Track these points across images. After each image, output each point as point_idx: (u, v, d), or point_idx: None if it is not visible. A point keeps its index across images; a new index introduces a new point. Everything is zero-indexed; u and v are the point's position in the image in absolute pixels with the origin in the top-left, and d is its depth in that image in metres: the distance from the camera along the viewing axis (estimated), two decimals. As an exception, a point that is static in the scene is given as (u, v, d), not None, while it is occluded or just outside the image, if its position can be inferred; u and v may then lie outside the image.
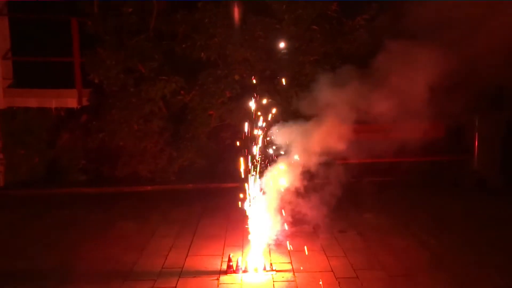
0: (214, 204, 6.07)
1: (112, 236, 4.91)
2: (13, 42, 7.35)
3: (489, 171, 6.84)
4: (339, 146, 4.67)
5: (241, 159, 4.24)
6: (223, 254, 4.28)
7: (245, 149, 4.29)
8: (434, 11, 4.66)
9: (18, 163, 7.23)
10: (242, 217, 4.34)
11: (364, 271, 3.91)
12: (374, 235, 4.80)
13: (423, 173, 6.82)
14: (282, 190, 4.32)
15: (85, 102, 7.35)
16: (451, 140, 6.89)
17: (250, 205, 4.20)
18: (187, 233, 4.92)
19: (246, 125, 4.36)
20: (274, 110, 4.54)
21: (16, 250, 4.55)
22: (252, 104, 4.45)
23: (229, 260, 3.97)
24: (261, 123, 4.37)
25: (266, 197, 4.26)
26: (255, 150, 4.27)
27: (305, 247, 4.40)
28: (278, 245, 4.44)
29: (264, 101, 4.68)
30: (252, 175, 4.23)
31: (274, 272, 3.91)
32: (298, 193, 4.43)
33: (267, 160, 4.39)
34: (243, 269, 3.92)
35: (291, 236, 4.62)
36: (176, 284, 3.70)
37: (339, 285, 3.66)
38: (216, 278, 3.82)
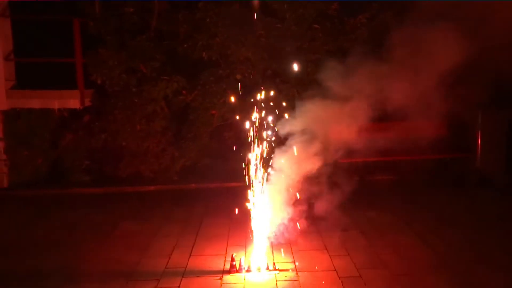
0: (216, 203, 6.07)
1: (115, 236, 4.94)
2: (15, 43, 7.37)
3: (493, 168, 6.81)
4: (343, 144, 4.68)
5: (245, 159, 4.25)
6: (226, 254, 4.29)
7: (249, 148, 4.30)
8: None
9: (21, 164, 7.26)
10: (245, 216, 4.35)
11: (367, 270, 3.91)
12: (377, 234, 4.79)
13: (426, 171, 6.80)
14: (286, 189, 4.34)
15: (87, 102, 7.37)
16: (454, 137, 6.86)
17: (253, 205, 4.21)
18: (190, 233, 4.93)
19: (248, 123, 4.36)
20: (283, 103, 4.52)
21: (20, 250, 4.58)
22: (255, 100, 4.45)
23: (232, 259, 3.97)
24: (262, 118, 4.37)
25: (269, 197, 4.27)
26: (259, 148, 4.27)
27: (308, 246, 4.41)
28: (281, 244, 4.45)
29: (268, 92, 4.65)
30: (255, 174, 4.24)
31: (277, 271, 3.91)
32: (301, 192, 4.44)
33: (270, 159, 4.40)
34: (246, 268, 3.93)
35: (294, 235, 4.63)
36: (180, 284, 3.71)
37: (342, 284, 3.66)
38: (219, 277, 3.83)
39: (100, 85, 7.21)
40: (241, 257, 4.02)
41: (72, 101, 7.16)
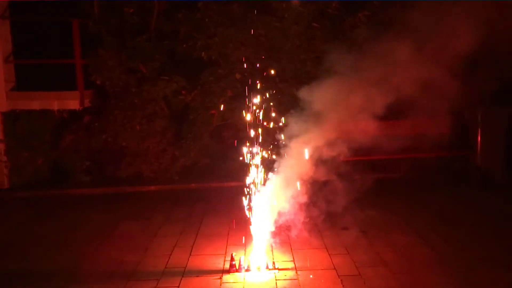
0: (217, 203, 6.08)
1: (116, 236, 4.94)
2: (14, 45, 7.37)
3: (493, 166, 6.79)
4: (344, 142, 4.67)
5: (245, 158, 4.26)
6: (225, 253, 4.30)
7: (248, 148, 4.30)
8: None
9: (22, 165, 7.27)
10: (244, 216, 4.35)
11: (366, 269, 3.91)
12: (377, 232, 4.79)
13: (426, 169, 6.79)
14: (285, 188, 4.34)
15: (87, 103, 7.38)
16: (455, 135, 6.85)
17: (252, 204, 4.22)
18: (190, 232, 4.94)
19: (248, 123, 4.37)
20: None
21: (20, 251, 4.60)
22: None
23: (232, 259, 3.98)
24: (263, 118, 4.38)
25: (268, 196, 4.27)
26: (258, 148, 4.28)
27: (307, 245, 4.41)
28: (281, 243, 4.46)
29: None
30: (255, 173, 4.25)
31: (277, 270, 3.92)
32: (301, 191, 4.43)
33: (270, 158, 4.40)
34: (245, 268, 3.94)
35: (294, 234, 4.63)
36: (179, 284, 3.72)
37: (341, 283, 3.66)
38: (219, 277, 3.84)
39: (100, 85, 7.22)
40: (240, 257, 4.02)
41: (72, 102, 7.16)
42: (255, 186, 4.28)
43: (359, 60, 4.48)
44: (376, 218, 5.27)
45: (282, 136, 4.60)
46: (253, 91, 4.72)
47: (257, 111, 4.48)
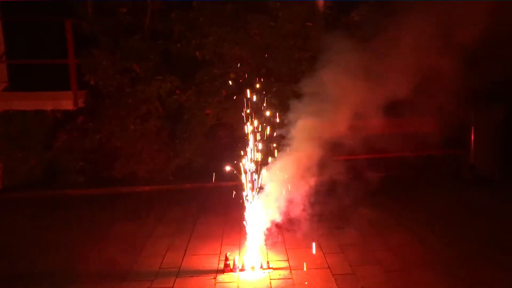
0: (211, 203, 6.08)
1: (111, 237, 4.93)
2: (7, 45, 7.33)
3: (486, 164, 6.84)
4: (338, 141, 4.68)
5: (239, 158, 4.26)
6: (220, 253, 4.30)
7: (243, 148, 4.31)
8: None
9: (16, 166, 7.23)
10: (239, 215, 4.36)
11: (360, 267, 3.93)
12: (371, 231, 4.81)
13: (419, 167, 6.83)
14: (280, 188, 4.34)
15: (81, 103, 7.34)
16: (448, 134, 6.89)
17: (247, 204, 4.22)
18: (184, 232, 4.93)
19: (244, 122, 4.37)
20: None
21: (15, 252, 4.57)
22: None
23: (226, 259, 3.98)
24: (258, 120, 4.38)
25: (263, 195, 4.28)
26: (253, 148, 4.28)
27: (302, 244, 4.42)
28: (275, 243, 4.47)
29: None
30: (250, 173, 4.25)
31: (271, 270, 3.93)
32: (295, 190, 4.44)
33: (265, 158, 4.41)
34: (240, 267, 3.94)
35: (288, 233, 4.64)
36: (174, 284, 3.72)
37: (335, 282, 3.68)
38: (213, 277, 3.84)
39: (93, 85, 7.20)
40: (235, 256, 4.02)
41: (66, 102, 7.12)
42: (250, 185, 4.28)
43: (352, 59, 4.49)
44: (370, 217, 5.28)
45: (277, 135, 4.62)
46: (248, 90, 4.72)
47: (253, 110, 4.48)
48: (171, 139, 7.40)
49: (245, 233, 4.26)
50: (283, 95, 7.04)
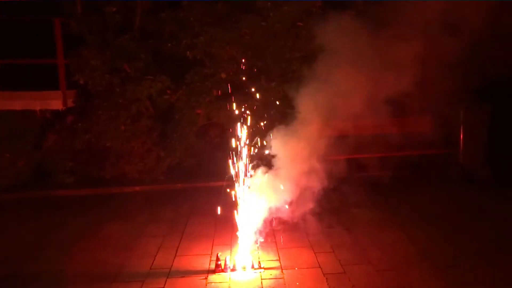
0: (202, 203, 6.05)
1: (100, 237, 4.89)
2: (-5, 45, 7.23)
3: (475, 164, 6.91)
4: (327, 142, 4.70)
5: (230, 158, 4.26)
6: (211, 253, 4.29)
7: (234, 148, 4.30)
8: None
9: (3, 167, 7.11)
10: (230, 215, 4.35)
11: (351, 266, 3.94)
12: (362, 230, 4.83)
13: (409, 167, 6.88)
14: (270, 187, 4.35)
15: (70, 103, 7.27)
16: (437, 133, 6.95)
17: (238, 204, 4.22)
18: (175, 233, 4.91)
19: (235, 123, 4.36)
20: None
21: (3, 254, 4.50)
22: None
23: (217, 259, 3.97)
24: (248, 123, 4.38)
25: (254, 195, 4.27)
26: (244, 148, 4.28)
27: (293, 244, 4.43)
28: (266, 242, 4.46)
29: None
30: (241, 173, 4.25)
31: (262, 269, 3.92)
32: (286, 190, 4.45)
33: (256, 158, 4.41)
34: (231, 267, 3.94)
35: (279, 233, 4.65)
36: (164, 285, 3.70)
37: (326, 281, 3.69)
38: (204, 277, 3.83)
39: (83, 85, 7.13)
40: (226, 257, 4.02)
41: (54, 102, 7.04)
42: (241, 185, 4.27)
43: (344, 59, 4.51)
44: (361, 216, 5.31)
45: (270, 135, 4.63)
46: (239, 90, 4.72)
47: (243, 110, 4.48)
48: (162, 139, 7.36)
49: (236, 233, 4.25)
50: (274, 94, 7.06)
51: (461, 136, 6.96)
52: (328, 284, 3.65)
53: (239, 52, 7.13)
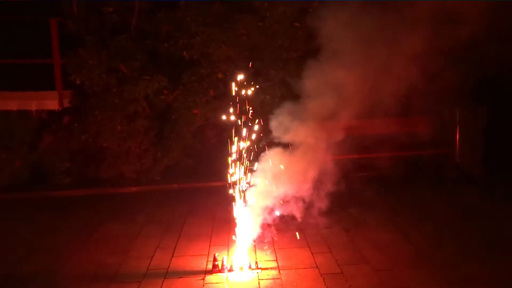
0: (200, 203, 6.05)
1: (97, 238, 4.88)
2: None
3: (471, 163, 6.93)
4: (325, 142, 4.70)
5: (228, 158, 4.25)
6: (208, 254, 4.28)
7: (231, 148, 4.29)
8: None
9: (0, 167, 7.10)
10: (227, 216, 4.35)
11: (348, 267, 3.94)
12: (359, 230, 4.84)
13: (406, 167, 6.89)
14: (268, 188, 4.34)
15: (66, 103, 7.25)
16: (434, 133, 6.97)
17: (235, 204, 4.21)
18: (172, 233, 4.90)
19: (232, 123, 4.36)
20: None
21: (0, 255, 4.48)
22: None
23: (215, 259, 3.97)
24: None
25: (251, 196, 4.27)
26: (242, 148, 4.28)
27: (290, 244, 4.43)
28: (264, 243, 4.46)
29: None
30: (238, 173, 4.25)
31: (260, 270, 3.92)
32: (283, 190, 4.45)
33: (253, 159, 4.41)
34: (228, 268, 3.93)
35: (276, 233, 4.65)
36: (161, 286, 3.69)
37: (323, 281, 3.69)
38: (201, 278, 3.82)
39: (79, 85, 7.12)
40: (223, 257, 4.01)
41: (51, 102, 7.03)
42: (238, 186, 4.27)
43: (338, 59, 4.51)
44: (358, 216, 5.32)
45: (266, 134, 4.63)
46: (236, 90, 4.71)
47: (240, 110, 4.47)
48: (159, 139, 7.35)
49: (233, 234, 4.25)
50: (271, 94, 7.07)
51: (457, 137, 6.99)
52: (325, 284, 3.65)
53: (236, 52, 7.14)
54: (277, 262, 4.07)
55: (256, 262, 4.00)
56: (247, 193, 4.27)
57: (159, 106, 7.48)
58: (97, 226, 5.22)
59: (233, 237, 4.25)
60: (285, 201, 4.53)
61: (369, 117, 5.75)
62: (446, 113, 7.01)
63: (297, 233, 4.37)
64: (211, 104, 7.26)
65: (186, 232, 4.94)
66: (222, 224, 4.96)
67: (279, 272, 3.89)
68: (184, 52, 7.13)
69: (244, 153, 4.33)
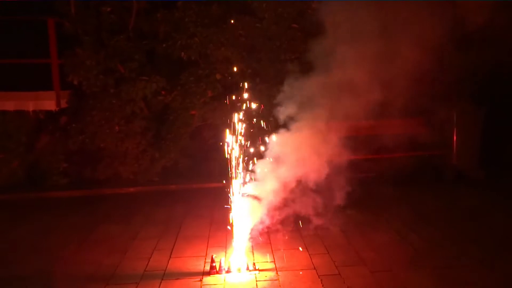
0: (197, 204, 6.04)
1: (95, 239, 4.86)
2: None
3: (468, 164, 6.96)
4: (323, 143, 4.70)
5: (225, 159, 4.24)
6: (206, 255, 4.27)
7: (229, 149, 4.29)
8: None
9: (-3, 168, 7.10)
10: (225, 217, 4.34)
11: (346, 268, 3.94)
12: (357, 231, 4.84)
13: (404, 168, 6.90)
14: (266, 189, 4.34)
15: (63, 104, 7.24)
16: (431, 134, 6.99)
17: (233, 205, 4.20)
18: (170, 234, 4.89)
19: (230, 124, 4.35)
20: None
21: (-6, 256, 4.48)
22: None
23: (212, 261, 3.96)
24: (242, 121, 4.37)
25: (250, 196, 4.26)
26: (239, 149, 4.27)
27: (288, 246, 4.42)
28: (261, 244, 4.46)
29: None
30: (236, 174, 4.24)
31: (257, 271, 3.91)
32: (281, 192, 4.44)
33: (251, 159, 4.40)
34: (226, 269, 3.92)
35: (274, 235, 4.64)
36: (159, 287, 3.68)
37: (321, 283, 3.69)
38: (199, 279, 3.81)
39: (77, 86, 7.10)
40: (221, 258, 4.01)
41: (48, 102, 7.02)
42: (235, 187, 4.26)
43: (335, 61, 4.51)
44: (355, 217, 5.32)
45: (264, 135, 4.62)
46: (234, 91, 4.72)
47: (238, 110, 4.47)
48: (156, 140, 7.34)
49: (231, 235, 4.24)
50: (269, 96, 7.05)
51: (455, 138, 7.01)
52: (323, 285, 3.65)
53: (234, 53, 7.14)
54: (275, 264, 4.06)
55: (254, 264, 3.99)
56: (244, 194, 4.26)
57: (157, 107, 7.47)
58: (94, 227, 5.20)
59: (231, 237, 4.23)
60: (282, 203, 4.53)
61: (366, 119, 5.76)
62: (444, 114, 7.03)
63: (300, 248, 4.37)
64: (209, 105, 7.25)
65: (184, 233, 4.93)
66: (220, 225, 4.95)
67: (277, 273, 3.88)
68: (182, 53, 7.13)
69: (242, 154, 4.33)
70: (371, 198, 6.01)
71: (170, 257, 4.28)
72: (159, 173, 7.32)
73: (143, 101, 7.27)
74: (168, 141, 7.30)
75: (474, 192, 6.31)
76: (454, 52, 5.47)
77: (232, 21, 7.10)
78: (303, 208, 4.82)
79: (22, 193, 6.81)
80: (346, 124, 5.08)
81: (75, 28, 7.06)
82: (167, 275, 3.89)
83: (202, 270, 3.97)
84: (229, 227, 4.23)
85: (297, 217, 4.80)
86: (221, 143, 4.41)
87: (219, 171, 4.40)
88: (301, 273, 3.87)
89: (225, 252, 4.31)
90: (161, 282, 3.75)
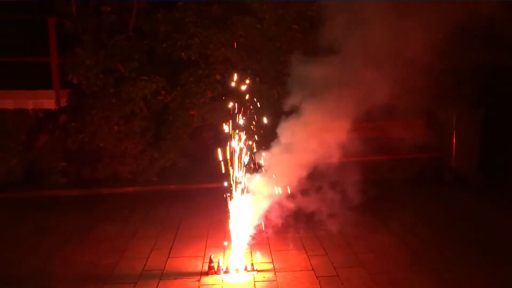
0: (196, 204, 6.04)
1: (93, 239, 4.85)
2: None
3: (467, 167, 6.97)
4: (322, 145, 4.69)
5: (224, 160, 4.25)
6: (204, 255, 4.27)
7: (228, 149, 4.29)
8: None
9: (-5, 166, 7.08)
10: (224, 217, 4.34)
11: (344, 269, 3.95)
12: (355, 233, 4.83)
13: (403, 170, 6.91)
14: (265, 190, 4.34)
15: (63, 103, 7.23)
16: (430, 137, 7.00)
17: (232, 206, 4.21)
18: (168, 234, 4.89)
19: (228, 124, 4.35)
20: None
21: (-8, 255, 4.47)
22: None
23: (210, 261, 3.96)
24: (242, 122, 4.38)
25: (248, 197, 4.27)
26: (238, 150, 4.27)
27: (286, 247, 4.42)
28: (260, 245, 4.46)
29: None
30: (235, 175, 4.24)
31: (256, 272, 3.92)
32: (280, 193, 4.44)
33: (250, 161, 4.40)
34: (224, 269, 3.92)
35: (273, 235, 4.64)
36: (157, 287, 3.68)
37: (319, 284, 3.69)
38: (197, 279, 3.81)
39: (76, 85, 7.10)
40: (219, 259, 4.00)
41: (47, 101, 7.00)
42: (234, 187, 4.27)
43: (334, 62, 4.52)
44: (354, 219, 5.29)
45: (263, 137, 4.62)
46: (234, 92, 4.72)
47: (237, 111, 4.47)
48: (156, 140, 7.33)
49: (229, 235, 4.24)
50: (268, 96, 7.06)
51: (454, 141, 7.01)
52: (321, 286, 3.65)
53: (234, 54, 7.14)
54: (273, 264, 4.07)
55: (252, 264, 3.99)
56: (243, 195, 4.26)
57: (157, 107, 7.47)
58: (92, 226, 5.20)
59: (230, 238, 4.23)
60: (281, 204, 4.53)
61: (365, 120, 5.76)
62: (443, 117, 7.04)
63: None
64: (209, 106, 7.25)
65: (182, 233, 4.93)
66: (218, 225, 4.95)
67: (275, 274, 3.88)
68: (182, 53, 7.13)
69: (241, 154, 4.33)
70: (370, 200, 6.01)
71: (168, 257, 4.28)
72: (158, 173, 7.32)
73: (142, 101, 7.27)
74: (167, 141, 7.30)
75: (473, 194, 6.31)
76: (454, 53, 5.47)
77: (232, 22, 7.10)
78: (301, 209, 4.82)
79: (20, 191, 6.80)
80: (343, 125, 5.07)
81: (75, 28, 7.06)
82: (165, 275, 3.89)
83: (200, 270, 3.97)
84: (228, 226, 4.23)
85: (296, 218, 4.80)
86: (220, 145, 4.41)
87: (218, 171, 4.38)
88: (299, 274, 3.87)
89: (224, 252, 4.31)
90: (159, 282, 3.75)
